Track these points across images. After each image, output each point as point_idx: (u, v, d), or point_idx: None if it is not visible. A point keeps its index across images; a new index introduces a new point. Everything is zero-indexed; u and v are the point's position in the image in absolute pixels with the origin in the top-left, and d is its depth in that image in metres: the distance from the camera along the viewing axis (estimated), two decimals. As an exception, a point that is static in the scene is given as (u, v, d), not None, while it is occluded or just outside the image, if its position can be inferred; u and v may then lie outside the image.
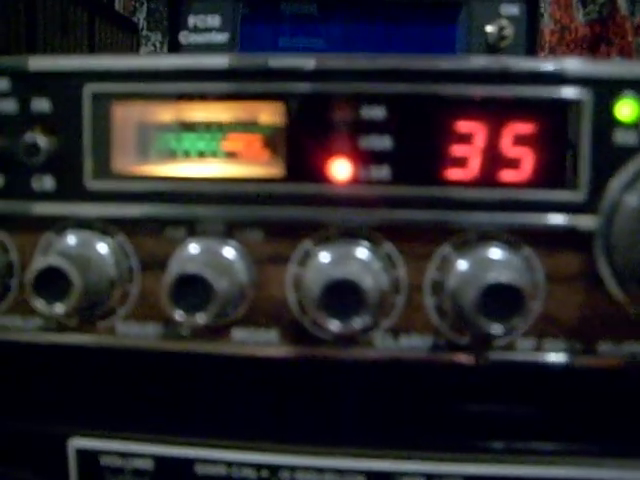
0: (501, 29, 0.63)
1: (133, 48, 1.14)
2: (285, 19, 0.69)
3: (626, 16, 1.38)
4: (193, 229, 0.41)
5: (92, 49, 0.93)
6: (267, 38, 0.68)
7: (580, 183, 0.39)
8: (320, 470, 0.41)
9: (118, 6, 1.27)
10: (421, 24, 0.67)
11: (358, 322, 0.36)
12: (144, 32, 1.32)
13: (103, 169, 0.41)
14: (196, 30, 0.66)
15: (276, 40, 0.69)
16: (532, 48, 0.64)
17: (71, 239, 0.41)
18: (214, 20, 0.66)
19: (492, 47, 0.63)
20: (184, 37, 0.66)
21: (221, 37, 0.66)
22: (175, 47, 0.67)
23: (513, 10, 0.64)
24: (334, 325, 0.36)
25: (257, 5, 0.68)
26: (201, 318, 0.37)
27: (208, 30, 0.66)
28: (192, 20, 0.67)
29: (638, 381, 0.42)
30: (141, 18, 1.34)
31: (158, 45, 1.31)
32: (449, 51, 0.66)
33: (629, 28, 1.39)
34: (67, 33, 0.88)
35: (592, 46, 1.41)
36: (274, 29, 0.69)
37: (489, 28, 0.63)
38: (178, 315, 0.37)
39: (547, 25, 1.38)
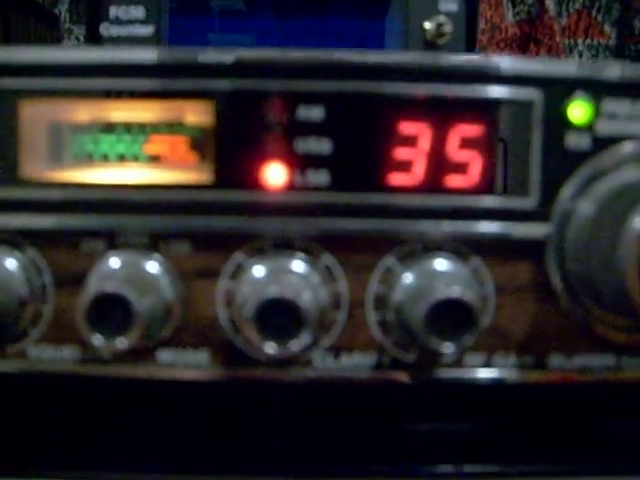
0: (439, 26, 0.61)
1: (54, 42, 1.08)
2: (214, 14, 0.66)
3: (554, 17, 1.40)
4: (113, 242, 0.37)
5: (7, 42, 0.87)
6: (196, 33, 0.65)
7: (531, 189, 0.37)
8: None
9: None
10: (350, 18, 0.65)
11: (296, 344, 0.33)
12: (67, 25, 1.27)
13: (9, 175, 0.37)
14: (118, 22, 0.62)
15: (205, 35, 0.66)
16: (471, 45, 0.63)
17: (-26, 254, 0.37)
18: (138, 11, 0.62)
19: (430, 44, 0.61)
20: (105, 29, 0.62)
21: (145, 30, 0.62)
22: (95, 40, 0.63)
23: (452, 6, 0.62)
24: (270, 347, 0.33)
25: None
26: (121, 343, 0.33)
27: (131, 22, 0.62)
28: (114, 11, 0.62)
29: (589, 395, 0.41)
30: (63, 10, 1.28)
31: (82, 38, 1.25)
32: (378, 46, 0.64)
33: (557, 29, 1.40)
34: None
35: (521, 45, 1.42)
36: (203, 24, 0.66)
37: (427, 24, 0.61)
38: (96, 340, 0.34)
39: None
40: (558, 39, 1.40)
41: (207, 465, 0.38)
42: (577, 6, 1.39)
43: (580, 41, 1.40)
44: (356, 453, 0.39)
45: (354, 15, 0.65)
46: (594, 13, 1.38)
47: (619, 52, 1.33)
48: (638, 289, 0.32)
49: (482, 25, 1.40)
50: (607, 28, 1.38)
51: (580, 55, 1.36)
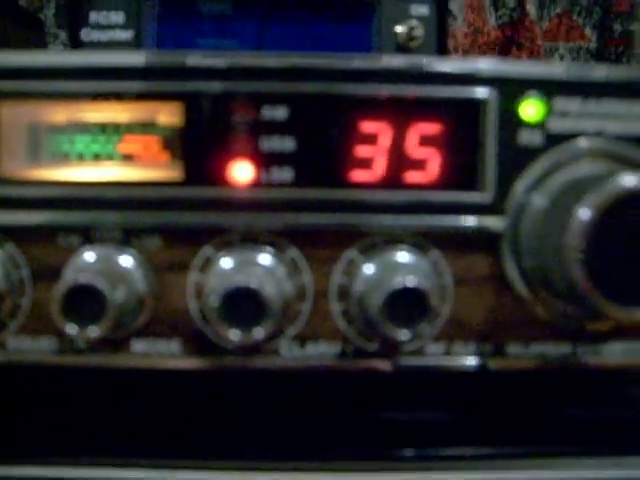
0: (411, 29, 0.62)
1: (39, 46, 1.09)
2: (202, 18, 0.66)
3: (535, 21, 1.41)
4: (88, 237, 0.39)
5: (-6, 47, 0.88)
6: (184, 38, 0.66)
7: (486, 184, 0.38)
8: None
9: (26, 2, 1.21)
10: (335, 24, 0.66)
11: (259, 332, 0.35)
12: (52, 30, 1.27)
13: (-11, 173, 0.38)
14: (99, 27, 0.63)
15: (194, 40, 0.66)
16: (442, 49, 0.64)
17: (-46, 249, 0.38)
18: (117, 17, 0.63)
19: (402, 47, 0.63)
20: (85, 34, 0.63)
21: (125, 35, 0.63)
22: (77, 45, 0.64)
23: (423, 10, 0.63)
24: (234, 335, 0.35)
25: (174, 4, 0.65)
26: (94, 331, 0.35)
27: (111, 27, 0.63)
28: (94, 17, 0.64)
29: (546, 381, 0.42)
30: (49, 15, 1.29)
31: (68, 43, 1.26)
32: (364, 51, 0.65)
33: (538, 32, 1.41)
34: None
35: (504, 49, 1.43)
36: (191, 28, 0.66)
37: (399, 28, 0.63)
38: (69, 328, 0.35)
39: (461, 28, 1.40)
40: (540, 42, 1.42)
41: (179, 450, 0.40)
42: (558, 10, 1.40)
43: (561, 44, 1.41)
44: (325, 439, 0.41)
45: (338, 20, 0.66)
46: (575, 16, 1.39)
47: (600, 55, 1.35)
48: (583, 278, 0.34)
49: (465, 29, 1.42)
50: (588, 31, 1.39)
51: (561, 58, 1.38)
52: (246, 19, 0.67)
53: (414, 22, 0.63)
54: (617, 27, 1.35)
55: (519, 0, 1.38)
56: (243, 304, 0.34)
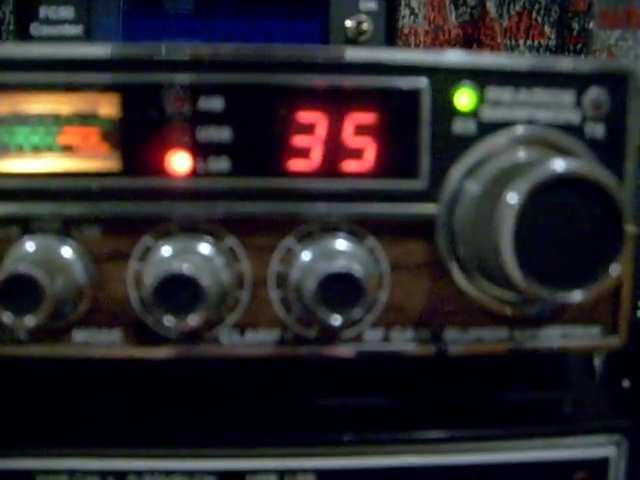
0: (359, 24, 0.63)
1: (-4, 43, 1.08)
2: (166, 17, 0.67)
3: (495, 19, 1.43)
4: (28, 227, 0.39)
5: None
6: (149, 36, 0.66)
7: (421, 172, 0.39)
8: (169, 473, 0.39)
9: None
10: (288, 20, 0.67)
11: (194, 318, 0.35)
12: (11, 27, 1.26)
13: None
14: (48, 22, 0.63)
15: (159, 37, 0.67)
16: (391, 43, 0.65)
17: None
18: (67, 12, 0.63)
19: (351, 42, 0.63)
20: (35, 29, 0.63)
21: (74, 30, 0.63)
22: (26, 39, 0.64)
23: (372, 5, 0.64)
24: (169, 321, 0.35)
25: (139, 2, 0.66)
26: (30, 321, 0.35)
27: (61, 22, 0.63)
28: (44, 11, 0.64)
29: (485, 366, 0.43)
30: (7, 11, 1.28)
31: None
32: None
33: (498, 30, 1.43)
34: None
35: (464, 46, 1.44)
36: (156, 27, 0.67)
37: (348, 23, 0.64)
38: (5, 317, 0.35)
39: (421, 26, 1.41)
40: (500, 40, 1.44)
41: (122, 439, 0.40)
42: (518, 8, 1.42)
43: (521, 42, 1.43)
44: (263, 426, 0.41)
45: (286, 16, 0.67)
46: (534, 15, 1.41)
47: (559, 52, 1.36)
48: (511, 261, 0.34)
49: (425, 27, 1.43)
50: (547, 29, 1.41)
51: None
52: (206, 17, 0.68)
53: (363, 16, 0.63)
54: (575, 25, 1.37)
55: (479, -2, 1.39)
56: (178, 291, 0.35)
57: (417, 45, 1.40)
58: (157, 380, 0.43)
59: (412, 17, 1.41)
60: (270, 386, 0.43)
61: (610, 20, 1.39)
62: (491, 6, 1.43)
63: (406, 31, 1.41)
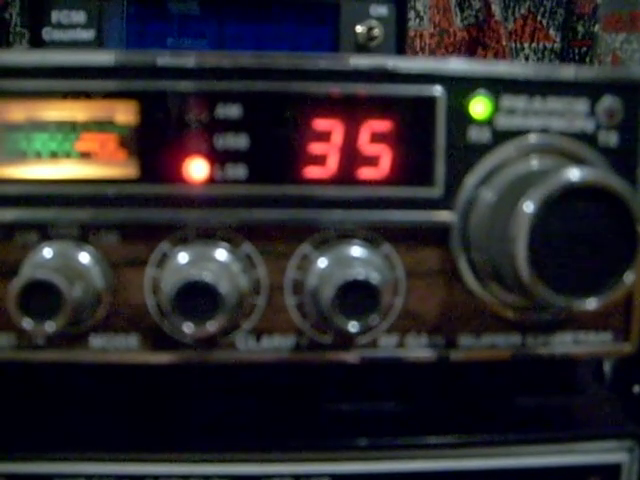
0: (370, 29, 0.63)
1: (3, 46, 1.08)
2: (172, 19, 0.67)
3: (500, 21, 1.43)
4: (46, 234, 0.39)
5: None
6: (155, 38, 0.66)
7: (436, 179, 0.39)
8: (185, 477, 0.40)
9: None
10: (302, 24, 0.67)
11: (213, 325, 0.35)
12: (18, 29, 1.27)
13: (-55, 171, 0.38)
14: (60, 26, 0.64)
15: (164, 40, 0.67)
16: (401, 49, 0.65)
17: None
18: (79, 16, 0.64)
19: (362, 47, 0.64)
20: (47, 33, 0.63)
21: (86, 34, 0.64)
22: (39, 44, 0.64)
23: (382, 11, 0.64)
24: (188, 328, 0.35)
25: (144, 4, 0.66)
26: (50, 327, 0.35)
27: (73, 27, 0.64)
28: (56, 16, 0.64)
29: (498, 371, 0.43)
30: (14, 13, 1.28)
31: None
32: (328, 51, 0.66)
33: (503, 33, 1.43)
34: None
35: (469, 49, 1.44)
36: (162, 29, 0.67)
37: (359, 28, 0.64)
38: (25, 323, 0.35)
39: (427, 29, 1.41)
40: (505, 43, 1.44)
41: (139, 443, 0.40)
42: (523, 11, 1.41)
43: (526, 45, 1.43)
44: (279, 431, 0.42)
45: (305, 20, 0.67)
46: (539, 18, 1.41)
47: (564, 55, 1.37)
48: (526, 269, 0.35)
49: (431, 30, 1.43)
50: (552, 32, 1.41)
51: (527, 58, 1.39)
52: (213, 19, 0.68)
53: (373, 22, 0.64)
54: (580, 29, 1.37)
55: (484, 1, 1.39)
56: (197, 298, 0.35)
57: (422, 48, 1.40)
58: (174, 385, 0.43)
59: (417, 20, 1.41)
60: (285, 391, 0.43)
61: (615, 23, 1.39)
62: (496, 9, 1.43)
63: (411, 34, 1.41)
